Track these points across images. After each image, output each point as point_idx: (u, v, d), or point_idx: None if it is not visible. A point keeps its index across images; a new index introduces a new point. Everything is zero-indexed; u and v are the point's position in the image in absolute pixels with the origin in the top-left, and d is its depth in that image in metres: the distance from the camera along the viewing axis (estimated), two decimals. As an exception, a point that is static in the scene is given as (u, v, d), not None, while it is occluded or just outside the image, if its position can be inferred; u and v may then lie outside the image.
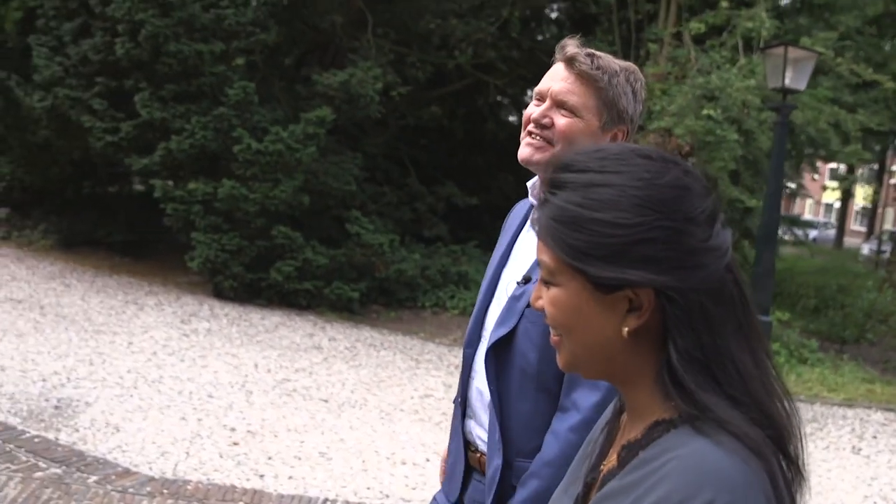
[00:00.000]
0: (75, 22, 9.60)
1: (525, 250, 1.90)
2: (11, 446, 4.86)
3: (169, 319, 8.46)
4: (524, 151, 1.83)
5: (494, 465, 1.79)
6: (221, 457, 5.10)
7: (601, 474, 1.07)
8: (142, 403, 5.88)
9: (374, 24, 9.85)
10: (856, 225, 42.86)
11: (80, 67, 9.49)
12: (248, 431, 5.57)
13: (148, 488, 4.50)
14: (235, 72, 9.10)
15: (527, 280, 1.79)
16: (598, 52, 1.81)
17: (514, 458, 1.76)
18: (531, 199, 1.94)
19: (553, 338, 1.07)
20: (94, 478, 4.55)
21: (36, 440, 4.99)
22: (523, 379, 1.76)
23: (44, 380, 6.11)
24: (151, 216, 11.36)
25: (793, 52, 7.28)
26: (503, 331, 1.78)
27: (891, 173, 32.33)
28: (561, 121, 1.79)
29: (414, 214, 11.44)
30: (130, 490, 4.45)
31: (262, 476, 4.90)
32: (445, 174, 12.15)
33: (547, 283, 1.02)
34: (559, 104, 1.79)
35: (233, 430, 5.58)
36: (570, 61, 1.78)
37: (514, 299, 1.81)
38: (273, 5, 9.00)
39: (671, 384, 0.95)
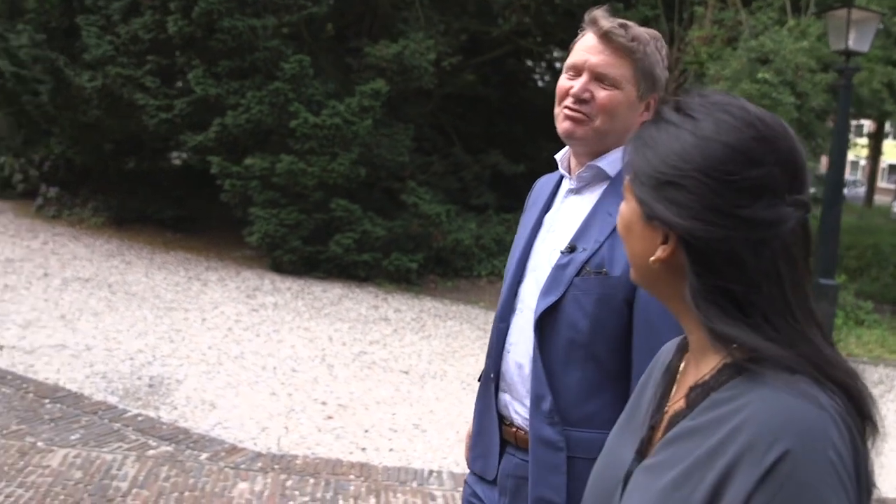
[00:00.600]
0: (124, 1, 9.59)
1: (563, 221, 1.88)
2: (119, 425, 4.98)
3: (234, 295, 8.56)
4: (565, 126, 1.82)
5: (543, 435, 1.77)
6: (319, 431, 5.20)
7: (667, 415, 1.08)
8: (230, 380, 5.98)
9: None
10: (883, 182, 42.46)
11: (130, 46, 9.51)
12: (339, 405, 5.67)
13: (259, 464, 4.60)
14: (288, 46, 9.09)
15: (572, 249, 1.78)
16: (627, 22, 1.81)
17: (563, 427, 1.75)
18: (561, 171, 1.94)
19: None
20: (204, 455, 4.66)
21: (139, 418, 5.10)
22: (571, 348, 1.75)
23: (131, 358, 6.22)
24: (199, 191, 11.45)
25: (856, 14, 7.20)
26: (550, 299, 1.76)
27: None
28: (601, 93, 1.78)
29: (461, 184, 11.45)
30: (242, 466, 4.55)
31: (363, 449, 5.00)
32: (488, 142, 12.13)
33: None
34: (598, 77, 1.78)
35: (324, 403, 5.68)
36: (606, 35, 1.77)
37: (559, 268, 1.78)
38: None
39: (711, 323, 0.98)
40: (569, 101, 1.81)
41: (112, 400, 5.37)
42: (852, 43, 7.11)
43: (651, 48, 1.81)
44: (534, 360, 1.79)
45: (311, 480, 4.45)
